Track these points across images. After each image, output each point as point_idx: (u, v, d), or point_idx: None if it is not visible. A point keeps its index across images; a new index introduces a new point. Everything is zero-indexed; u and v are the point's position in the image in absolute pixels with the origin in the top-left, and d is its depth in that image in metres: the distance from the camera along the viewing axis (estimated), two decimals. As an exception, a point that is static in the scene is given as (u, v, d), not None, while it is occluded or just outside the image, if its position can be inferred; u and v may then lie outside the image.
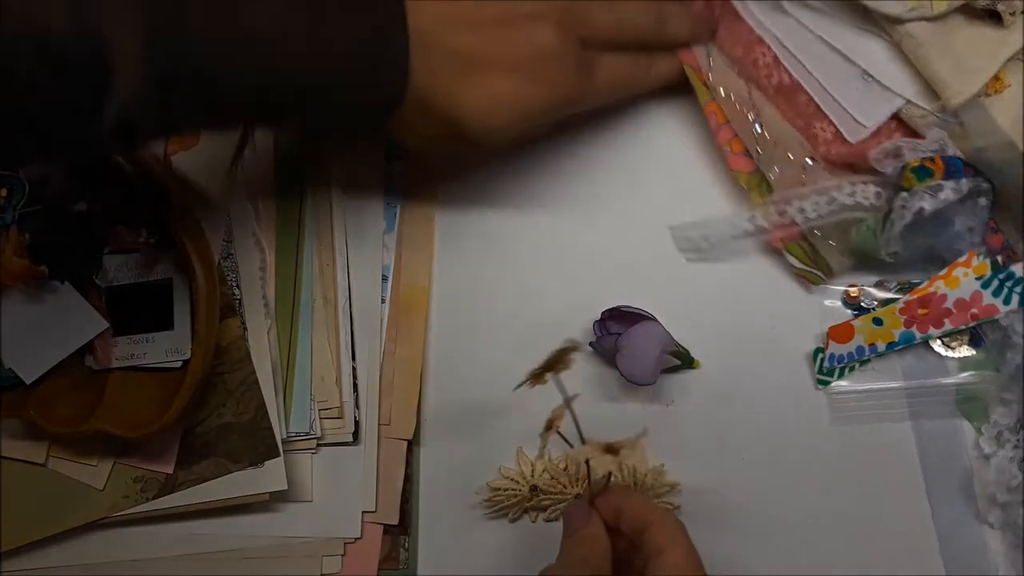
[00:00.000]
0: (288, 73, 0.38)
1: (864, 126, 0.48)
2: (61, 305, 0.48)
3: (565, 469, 0.49)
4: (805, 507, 0.49)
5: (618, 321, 0.49)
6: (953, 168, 0.46)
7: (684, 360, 0.50)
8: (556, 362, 0.41)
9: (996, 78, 0.47)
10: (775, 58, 0.49)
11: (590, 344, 0.50)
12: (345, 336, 0.50)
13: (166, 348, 0.48)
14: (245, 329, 0.49)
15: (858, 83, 0.49)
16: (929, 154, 0.46)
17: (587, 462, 0.42)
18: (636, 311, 0.49)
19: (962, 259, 0.48)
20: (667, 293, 0.50)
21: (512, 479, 0.49)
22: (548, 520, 0.49)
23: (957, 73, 0.47)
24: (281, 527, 0.48)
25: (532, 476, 0.49)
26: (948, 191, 0.45)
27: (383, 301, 0.51)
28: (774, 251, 0.48)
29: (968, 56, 0.47)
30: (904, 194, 0.46)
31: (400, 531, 0.49)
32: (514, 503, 0.49)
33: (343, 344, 0.50)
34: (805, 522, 0.49)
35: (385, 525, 0.49)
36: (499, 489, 0.49)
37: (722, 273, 0.51)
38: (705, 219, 0.48)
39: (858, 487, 0.49)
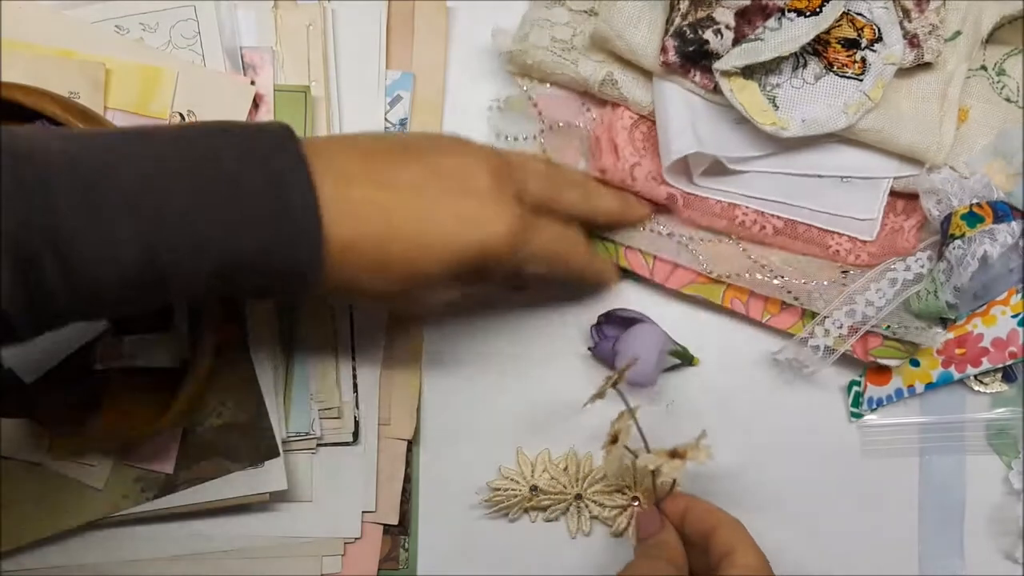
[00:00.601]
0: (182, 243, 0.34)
1: (870, 219, 0.48)
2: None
3: (565, 469, 0.49)
4: (804, 509, 0.50)
5: (614, 324, 0.49)
6: (1001, 212, 0.45)
7: (684, 358, 0.50)
8: (619, 378, 0.44)
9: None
10: (756, 211, 0.48)
11: (588, 349, 0.50)
12: (345, 335, 0.50)
13: (167, 348, 0.48)
14: (246, 328, 0.49)
15: (841, 188, 0.48)
16: (976, 199, 0.46)
17: (652, 471, 0.43)
18: (631, 314, 0.49)
19: (1001, 297, 0.48)
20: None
21: (512, 479, 0.49)
22: (548, 520, 0.49)
23: (926, 134, 0.46)
24: (281, 527, 0.49)
25: (532, 476, 0.49)
26: (1005, 235, 0.45)
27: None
28: (870, 365, 0.48)
29: (924, 113, 0.47)
30: (958, 242, 0.45)
31: (400, 531, 0.49)
32: (514, 503, 0.49)
33: (343, 343, 0.50)
34: (802, 524, 0.49)
35: (385, 525, 0.49)
36: (499, 489, 0.49)
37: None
38: (789, 343, 0.48)
39: (856, 495, 0.50)
